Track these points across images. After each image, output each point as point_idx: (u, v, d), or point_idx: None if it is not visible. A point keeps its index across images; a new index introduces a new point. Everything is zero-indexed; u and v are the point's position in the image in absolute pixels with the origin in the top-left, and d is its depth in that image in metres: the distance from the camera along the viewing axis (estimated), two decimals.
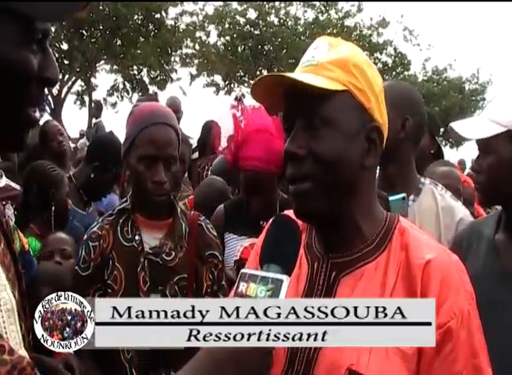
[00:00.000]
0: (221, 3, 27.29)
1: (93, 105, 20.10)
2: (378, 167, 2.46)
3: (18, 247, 2.42)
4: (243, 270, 1.18)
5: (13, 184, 3.65)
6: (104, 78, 42.94)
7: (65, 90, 24.76)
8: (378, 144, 1.37)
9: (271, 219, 1.39)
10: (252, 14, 27.44)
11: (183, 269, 2.39)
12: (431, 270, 1.27)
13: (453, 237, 2.27)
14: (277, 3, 27.38)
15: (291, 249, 1.23)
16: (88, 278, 2.36)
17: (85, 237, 2.46)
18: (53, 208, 3.43)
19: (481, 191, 2.13)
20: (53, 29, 22.83)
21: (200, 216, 2.58)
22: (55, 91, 24.24)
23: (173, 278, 2.36)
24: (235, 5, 27.44)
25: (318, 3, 27.57)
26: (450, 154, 30.03)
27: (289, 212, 1.42)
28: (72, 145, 7.54)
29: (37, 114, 1.11)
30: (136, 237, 2.38)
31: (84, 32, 23.41)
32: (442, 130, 29.03)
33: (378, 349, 1.25)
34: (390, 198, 2.25)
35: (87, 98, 26.09)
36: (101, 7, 22.91)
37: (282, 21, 27.73)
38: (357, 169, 1.34)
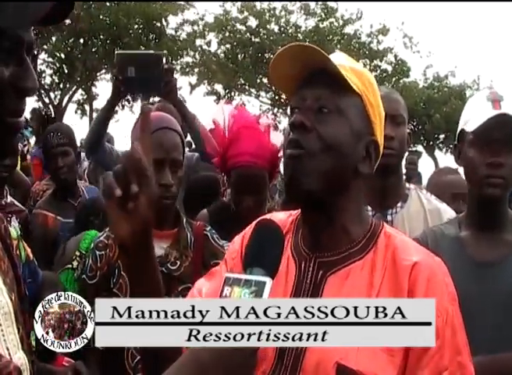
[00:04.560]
0: (221, 11, 27.36)
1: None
2: (377, 179, 2.52)
3: (23, 257, 2.44)
4: (226, 275, 1.19)
5: (17, 203, 3.69)
6: (105, 87, 42.91)
7: (66, 99, 24.79)
8: (373, 157, 1.42)
9: (254, 223, 1.42)
10: (252, 22, 27.46)
11: (189, 279, 2.36)
12: (418, 271, 1.32)
13: (415, 239, 2.28)
14: (277, 11, 27.43)
15: (274, 252, 1.25)
16: (95, 286, 2.36)
17: (92, 245, 2.48)
18: None
19: (504, 187, 2.12)
20: (54, 38, 22.95)
21: (206, 226, 2.57)
22: (55, 100, 24.30)
23: (178, 287, 2.36)
24: (235, 13, 27.50)
25: (318, 11, 27.59)
26: (451, 160, 29.99)
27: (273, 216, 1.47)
28: None
29: (20, 120, 1.12)
30: None
31: (85, 41, 23.44)
32: (443, 136, 28.69)
33: None
34: None
35: (87, 107, 26.14)
36: (101, 16, 22.97)
37: (282, 29, 27.76)
38: (351, 171, 1.39)
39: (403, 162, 2.81)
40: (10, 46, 1.06)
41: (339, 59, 1.41)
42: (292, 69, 1.42)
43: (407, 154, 10.37)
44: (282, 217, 1.52)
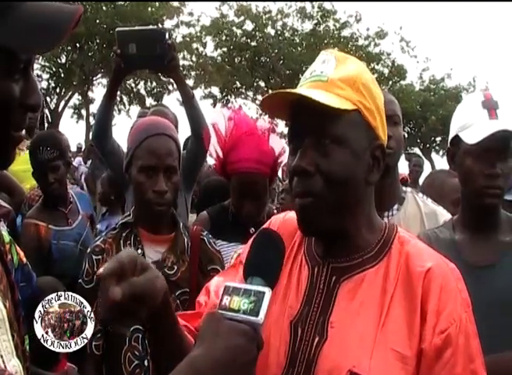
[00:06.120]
0: (217, 15, 27.38)
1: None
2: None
3: (16, 261, 2.44)
4: (226, 284, 1.18)
5: (2, 203, 3.65)
6: (101, 92, 42.82)
7: (62, 103, 24.81)
8: (382, 160, 1.39)
9: (256, 232, 1.40)
10: (249, 25, 27.51)
11: (185, 284, 2.38)
12: (431, 277, 1.30)
13: None
14: (273, 14, 27.46)
15: (275, 262, 1.24)
16: (91, 291, 2.34)
17: (88, 250, 2.46)
18: None
19: (501, 195, 2.15)
20: None
21: (203, 231, 2.56)
22: (52, 104, 24.31)
23: (175, 292, 2.34)
24: (232, 16, 27.53)
25: (315, 14, 27.63)
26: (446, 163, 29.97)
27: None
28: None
29: (22, 133, 1.13)
30: (139, 251, 2.37)
31: (81, 46, 23.46)
32: (439, 138, 28.74)
33: (379, 352, 1.26)
34: None
35: (84, 112, 26.16)
36: (97, 20, 22.98)
37: (279, 32, 27.79)
38: (362, 186, 1.37)
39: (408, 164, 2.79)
40: (24, 65, 1.07)
41: (328, 71, 1.36)
42: (278, 107, 1.40)
43: (412, 156, 10.36)
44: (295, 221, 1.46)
